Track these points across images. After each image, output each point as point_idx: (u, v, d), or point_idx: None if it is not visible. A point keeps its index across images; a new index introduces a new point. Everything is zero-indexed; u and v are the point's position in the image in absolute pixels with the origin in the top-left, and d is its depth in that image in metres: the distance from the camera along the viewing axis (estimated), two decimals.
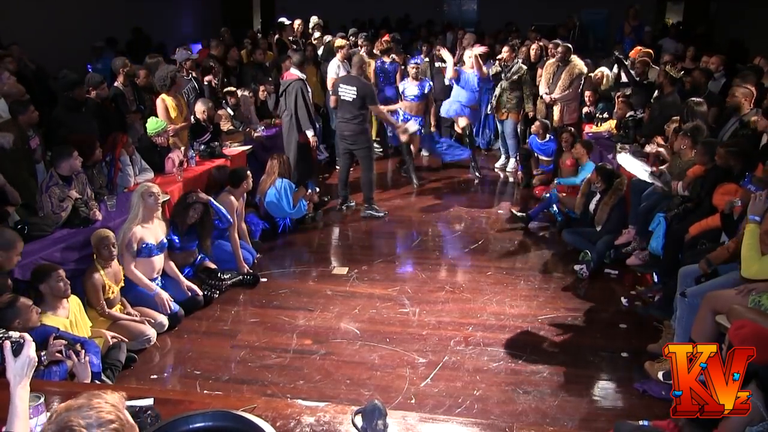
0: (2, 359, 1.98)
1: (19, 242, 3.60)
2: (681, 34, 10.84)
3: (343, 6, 12.89)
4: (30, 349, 2.00)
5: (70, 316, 3.66)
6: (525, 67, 7.79)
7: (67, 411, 1.45)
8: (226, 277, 4.92)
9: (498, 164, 8.40)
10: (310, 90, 6.84)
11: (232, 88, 7.34)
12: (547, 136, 7.26)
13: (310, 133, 6.71)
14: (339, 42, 8.19)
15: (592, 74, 7.93)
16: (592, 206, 5.64)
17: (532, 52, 8.36)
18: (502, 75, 7.69)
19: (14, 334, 2.03)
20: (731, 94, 5.23)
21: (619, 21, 11.31)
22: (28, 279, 3.72)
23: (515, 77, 7.66)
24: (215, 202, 4.96)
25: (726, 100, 5.41)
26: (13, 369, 1.97)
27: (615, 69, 8.04)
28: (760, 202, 3.35)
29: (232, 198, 5.25)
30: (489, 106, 8.23)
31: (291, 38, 9.66)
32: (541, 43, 8.65)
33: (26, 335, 2.04)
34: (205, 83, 7.17)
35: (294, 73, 6.73)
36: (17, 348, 1.98)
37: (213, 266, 4.98)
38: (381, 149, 8.67)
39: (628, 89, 7.52)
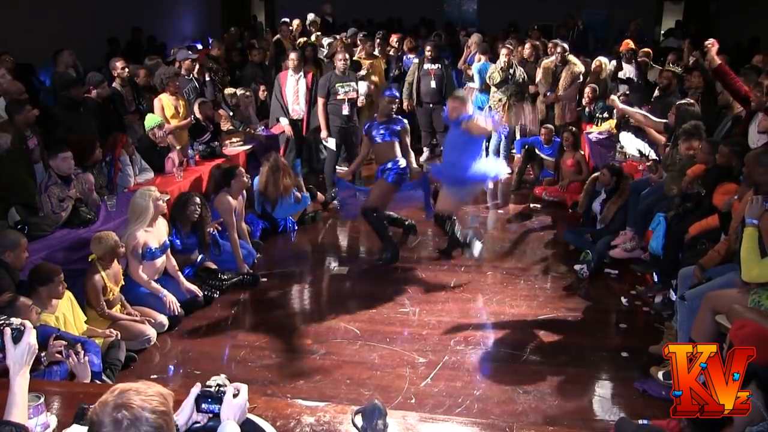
0: (2, 346, 1.96)
1: (23, 240, 3.69)
2: (682, 34, 10.86)
3: (342, 6, 12.89)
4: (30, 336, 1.98)
5: (57, 312, 3.65)
6: (522, 70, 7.80)
7: (128, 391, 1.53)
8: (225, 277, 4.92)
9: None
10: (296, 86, 6.88)
11: (233, 89, 7.34)
12: (552, 140, 7.28)
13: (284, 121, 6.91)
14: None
15: (592, 67, 7.97)
16: (595, 205, 5.64)
17: (527, 52, 8.37)
18: (509, 81, 7.62)
19: (15, 321, 2.00)
20: (722, 91, 5.24)
21: (619, 21, 11.34)
22: (27, 278, 3.72)
23: (520, 81, 7.67)
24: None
25: (718, 98, 5.43)
26: (13, 356, 1.95)
27: (613, 64, 8.06)
28: (756, 205, 3.33)
29: (230, 198, 5.24)
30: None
31: (291, 38, 9.67)
32: (537, 42, 8.64)
33: (27, 322, 2.02)
34: (207, 78, 7.18)
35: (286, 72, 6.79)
36: (17, 335, 1.96)
37: (213, 266, 4.98)
38: None
39: (626, 86, 7.53)
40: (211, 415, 1.93)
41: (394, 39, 9.45)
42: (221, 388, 1.93)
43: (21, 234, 3.75)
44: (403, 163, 5.50)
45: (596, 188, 5.75)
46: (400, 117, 5.84)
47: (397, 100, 5.80)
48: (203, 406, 1.92)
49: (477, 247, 5.30)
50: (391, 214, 5.80)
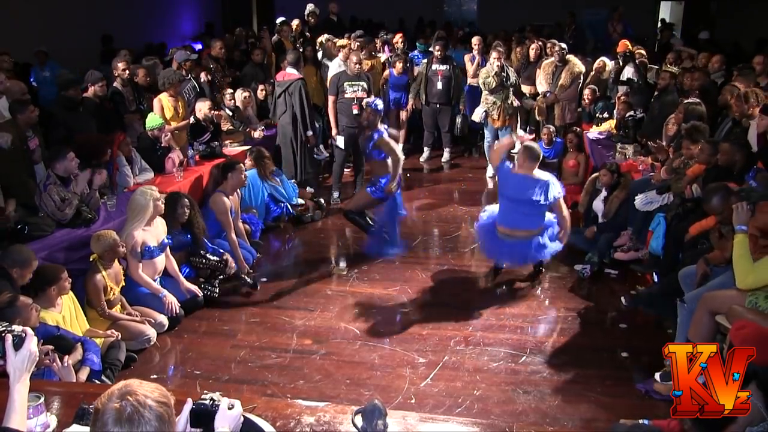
0: (3, 353, 1.97)
1: (34, 261, 3.60)
2: (684, 35, 10.87)
3: (343, 5, 12.86)
4: (31, 343, 1.99)
5: (63, 311, 3.67)
6: (513, 70, 7.79)
7: (132, 383, 1.61)
8: (212, 258, 4.86)
9: (490, 174, 8.28)
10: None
11: (230, 90, 7.33)
12: (554, 141, 7.29)
13: (309, 134, 6.86)
14: (341, 42, 8.21)
15: (594, 67, 7.96)
16: (596, 204, 5.64)
17: (532, 52, 8.36)
18: (506, 83, 7.58)
19: (17, 328, 2.01)
20: (722, 92, 5.24)
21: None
22: (31, 281, 3.72)
23: (514, 82, 7.66)
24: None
25: (718, 98, 5.43)
26: (13, 363, 1.96)
27: (613, 64, 8.05)
28: (743, 212, 3.31)
29: (225, 198, 5.21)
30: (482, 115, 7.89)
31: (292, 37, 9.65)
32: (539, 43, 8.65)
33: (28, 329, 2.03)
34: (203, 81, 7.18)
35: (292, 72, 6.76)
36: (18, 342, 1.97)
37: (203, 253, 4.96)
38: None
39: (625, 88, 7.53)
40: None
41: (398, 38, 9.47)
42: (215, 402, 1.93)
43: (34, 255, 3.66)
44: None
45: (597, 187, 5.75)
46: (379, 129, 5.55)
47: (379, 112, 5.62)
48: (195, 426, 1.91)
49: None
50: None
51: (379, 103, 5.72)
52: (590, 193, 5.80)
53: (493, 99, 7.62)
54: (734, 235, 3.33)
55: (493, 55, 7.52)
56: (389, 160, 5.50)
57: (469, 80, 8.49)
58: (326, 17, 10.88)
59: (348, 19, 12.16)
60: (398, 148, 5.66)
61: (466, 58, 8.60)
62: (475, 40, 8.62)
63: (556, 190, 4.72)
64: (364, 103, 6.28)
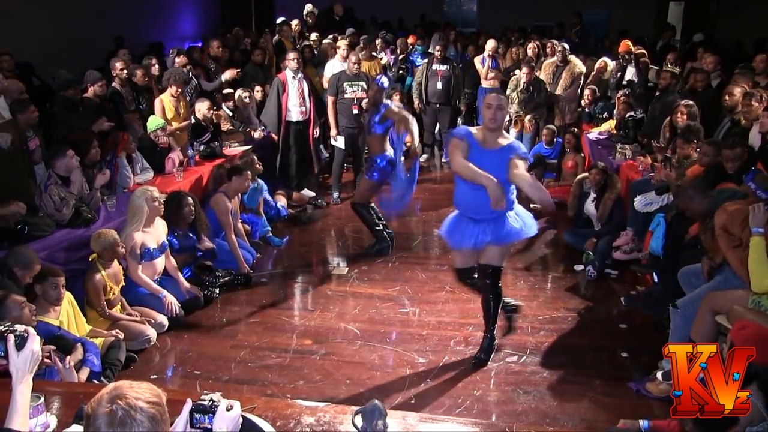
0: (5, 353, 1.96)
1: (37, 264, 3.59)
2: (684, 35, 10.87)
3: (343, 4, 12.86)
4: (34, 343, 1.97)
5: (61, 316, 3.61)
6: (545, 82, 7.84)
7: (122, 386, 1.62)
8: (220, 274, 4.91)
9: None
10: (296, 88, 6.84)
11: (230, 89, 7.33)
12: (555, 141, 7.29)
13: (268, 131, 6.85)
14: (339, 42, 8.22)
15: (595, 67, 7.96)
16: (588, 207, 5.64)
17: (530, 52, 8.37)
18: (533, 98, 7.58)
19: (19, 328, 2.00)
20: (729, 93, 5.22)
21: (619, 21, 11.33)
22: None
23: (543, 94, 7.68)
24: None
25: (723, 99, 5.40)
26: (15, 363, 1.94)
27: (614, 64, 8.05)
28: (759, 213, 3.24)
29: (226, 199, 5.23)
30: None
31: (292, 37, 9.64)
32: (537, 43, 8.65)
33: (30, 329, 2.01)
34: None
35: (284, 73, 6.79)
36: (21, 342, 1.95)
37: (209, 263, 4.97)
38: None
39: (626, 89, 7.54)
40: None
41: (411, 39, 9.53)
42: (215, 403, 1.93)
43: (37, 257, 3.66)
44: (390, 155, 5.53)
45: (584, 190, 5.74)
46: (384, 103, 5.54)
47: (385, 89, 5.67)
48: (196, 417, 1.92)
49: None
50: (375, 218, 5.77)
51: (385, 81, 5.70)
52: (578, 197, 5.80)
53: (515, 108, 7.62)
54: (750, 237, 3.26)
55: (524, 70, 7.57)
56: (386, 139, 5.48)
57: (483, 82, 8.51)
58: (330, 17, 10.89)
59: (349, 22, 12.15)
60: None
61: (477, 60, 8.61)
62: (490, 43, 8.58)
63: None
64: (364, 103, 6.29)
